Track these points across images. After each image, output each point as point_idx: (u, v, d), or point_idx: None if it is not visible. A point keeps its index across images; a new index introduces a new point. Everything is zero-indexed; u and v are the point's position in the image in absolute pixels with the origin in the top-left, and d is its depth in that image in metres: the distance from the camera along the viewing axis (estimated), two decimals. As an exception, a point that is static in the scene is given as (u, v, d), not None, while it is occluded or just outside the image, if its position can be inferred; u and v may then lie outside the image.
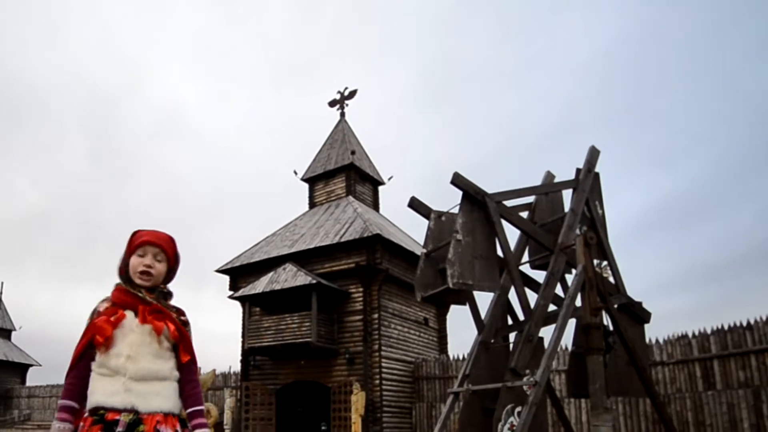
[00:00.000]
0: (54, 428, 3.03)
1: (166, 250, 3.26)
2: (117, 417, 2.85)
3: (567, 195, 15.33)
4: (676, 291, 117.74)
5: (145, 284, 3.19)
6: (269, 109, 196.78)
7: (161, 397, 2.98)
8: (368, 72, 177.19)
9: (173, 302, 3.43)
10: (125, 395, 2.91)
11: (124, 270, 3.28)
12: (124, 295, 3.17)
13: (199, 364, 3.40)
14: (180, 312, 3.27)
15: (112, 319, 3.07)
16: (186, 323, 3.28)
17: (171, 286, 3.50)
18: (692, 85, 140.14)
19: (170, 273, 3.34)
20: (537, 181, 15.70)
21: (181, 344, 3.15)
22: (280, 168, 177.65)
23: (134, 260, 3.22)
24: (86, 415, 2.94)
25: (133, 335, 3.05)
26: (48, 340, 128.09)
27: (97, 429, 2.81)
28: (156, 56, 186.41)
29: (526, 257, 15.53)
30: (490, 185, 13.33)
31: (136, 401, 2.90)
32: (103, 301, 3.23)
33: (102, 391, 2.95)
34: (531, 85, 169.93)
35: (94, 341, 3.04)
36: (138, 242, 3.24)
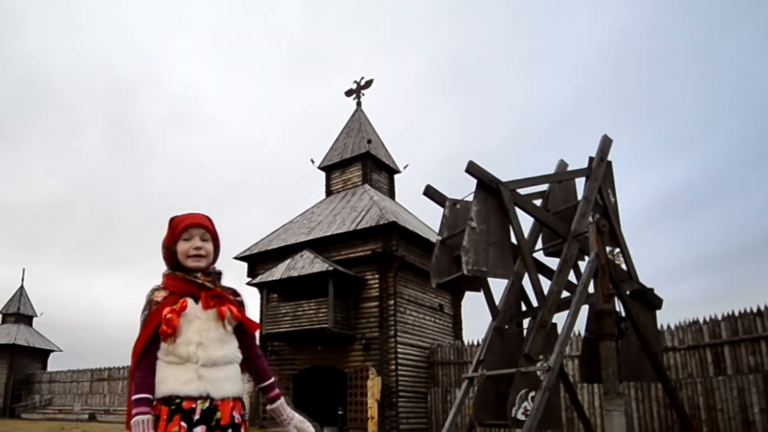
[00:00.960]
0: (135, 421, 2.91)
1: (210, 229, 3.27)
2: (192, 405, 2.87)
3: (580, 183, 15.32)
4: (687, 277, 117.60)
5: (199, 266, 3.20)
6: (283, 98, 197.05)
7: (231, 382, 3.02)
8: (381, 61, 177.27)
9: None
10: (199, 383, 2.93)
11: (171, 258, 3.28)
12: (182, 282, 3.18)
13: None
14: (235, 293, 3.31)
15: (176, 308, 3.07)
16: (242, 303, 3.31)
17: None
18: (702, 73, 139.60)
19: (216, 251, 3.34)
20: (549, 169, 15.69)
21: (246, 321, 3.19)
22: (295, 156, 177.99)
23: (182, 246, 3.21)
24: (159, 404, 2.94)
25: (199, 322, 3.08)
26: (68, 326, 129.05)
27: (178, 418, 2.83)
28: (172, 46, 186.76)
29: (539, 244, 15.52)
30: (502, 173, 13.34)
31: (210, 388, 2.93)
32: (156, 290, 3.20)
33: (174, 380, 2.96)
34: (542, 73, 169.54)
35: (160, 332, 3.03)
36: (182, 227, 3.23)
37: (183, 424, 2.82)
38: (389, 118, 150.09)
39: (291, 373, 32.94)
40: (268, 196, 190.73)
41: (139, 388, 3.01)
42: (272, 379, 3.23)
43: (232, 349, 3.12)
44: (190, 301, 3.13)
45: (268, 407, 3.18)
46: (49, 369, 60.75)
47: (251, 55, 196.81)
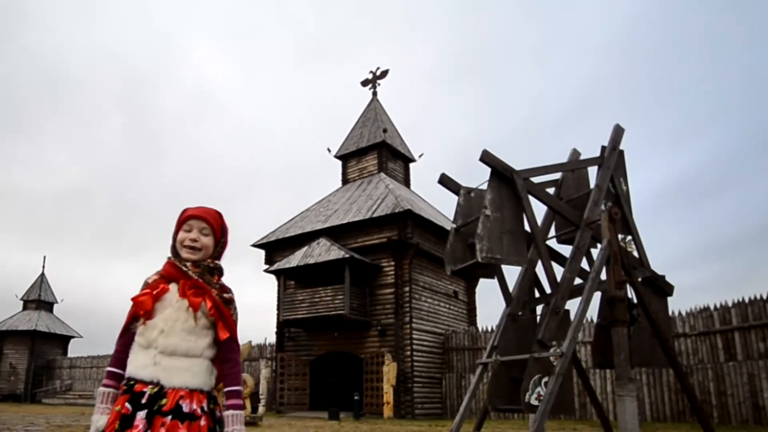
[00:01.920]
0: (98, 392, 3.07)
1: (212, 224, 3.28)
2: (144, 389, 2.91)
3: (592, 172, 15.36)
4: (697, 264, 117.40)
5: (191, 257, 3.21)
6: (297, 86, 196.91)
7: (189, 373, 3.00)
8: (393, 50, 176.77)
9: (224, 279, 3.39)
10: (153, 369, 2.96)
11: (172, 245, 3.30)
12: (171, 268, 3.20)
13: None
14: (224, 289, 3.26)
15: (154, 292, 3.12)
16: (229, 301, 3.25)
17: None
18: (711, 61, 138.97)
19: (218, 247, 3.34)
20: (560, 157, 15.78)
21: (219, 322, 3.13)
22: (309, 144, 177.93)
23: (181, 235, 3.25)
24: (123, 383, 3.02)
25: (170, 309, 3.09)
26: (88, 312, 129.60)
27: (125, 399, 2.89)
28: (188, 36, 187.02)
29: (552, 232, 15.58)
30: (512, 161, 13.40)
31: (162, 375, 2.95)
32: (155, 273, 3.26)
33: (135, 363, 3.02)
34: (553, 62, 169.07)
35: (136, 313, 3.10)
36: (184, 217, 3.28)
37: (128, 405, 2.87)
38: (402, 106, 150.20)
39: (308, 358, 33.16)
40: (283, 184, 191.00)
41: (111, 362, 3.15)
42: (234, 387, 3.09)
43: (200, 343, 3.11)
44: (172, 288, 3.18)
45: (223, 413, 3.06)
46: (69, 355, 61.13)
47: (265, 44, 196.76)
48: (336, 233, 32.94)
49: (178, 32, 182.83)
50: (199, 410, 2.91)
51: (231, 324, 3.16)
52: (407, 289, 30.85)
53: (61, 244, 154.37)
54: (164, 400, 2.86)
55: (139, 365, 2.99)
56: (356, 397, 27.14)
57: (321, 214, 35.38)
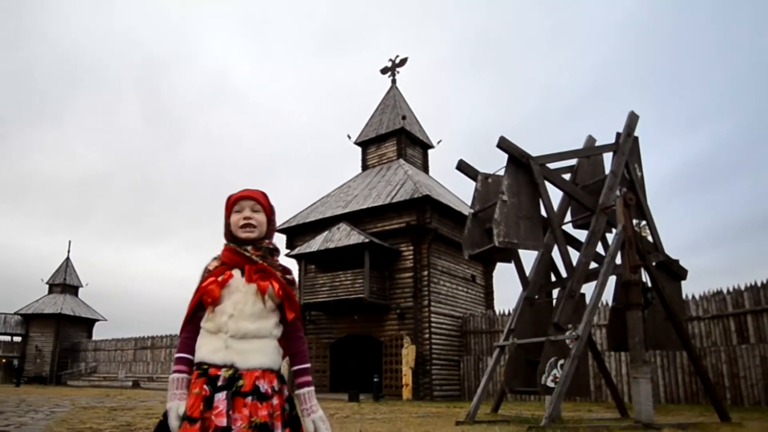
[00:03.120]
0: (171, 378, 3.09)
1: (260, 201, 3.30)
2: (218, 372, 2.94)
3: (607, 158, 15.43)
4: (710, 248, 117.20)
5: (250, 236, 3.24)
6: (313, 72, 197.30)
7: (261, 353, 3.04)
8: (409, 37, 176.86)
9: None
10: (226, 352, 3.00)
11: (228, 232, 3.34)
12: (233, 254, 3.24)
13: None
14: (286, 270, 3.28)
15: (219, 279, 3.15)
16: (292, 282, 3.28)
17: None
18: (722, 48, 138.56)
19: (269, 225, 3.37)
20: (573, 142, 15.87)
21: (286, 302, 3.16)
22: (326, 130, 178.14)
23: (234, 217, 3.28)
24: (194, 368, 3.04)
25: (238, 294, 3.11)
26: (112, 295, 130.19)
27: (202, 381, 2.91)
28: (204, 22, 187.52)
29: (568, 217, 15.66)
30: (526, 147, 13.50)
31: (236, 358, 2.98)
32: (214, 259, 3.32)
33: (206, 348, 3.06)
34: (565, 49, 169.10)
35: (203, 301, 3.13)
36: (232, 201, 3.32)
37: (206, 387, 2.90)
38: (418, 93, 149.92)
39: (328, 341, 33.40)
40: (301, 169, 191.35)
41: (180, 349, 3.17)
42: (304, 365, 3.16)
43: (268, 324, 3.14)
44: (236, 273, 3.18)
45: (294, 392, 3.12)
46: (94, 338, 61.70)
47: (282, 31, 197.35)
48: (356, 218, 33.10)
49: (195, 19, 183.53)
50: (270, 390, 2.97)
51: (296, 304, 3.22)
52: (426, 273, 30.97)
53: (84, 229, 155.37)
54: (241, 382, 2.92)
55: (210, 350, 3.04)
56: (376, 379, 27.24)
57: (341, 199, 35.51)
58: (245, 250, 3.19)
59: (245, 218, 3.21)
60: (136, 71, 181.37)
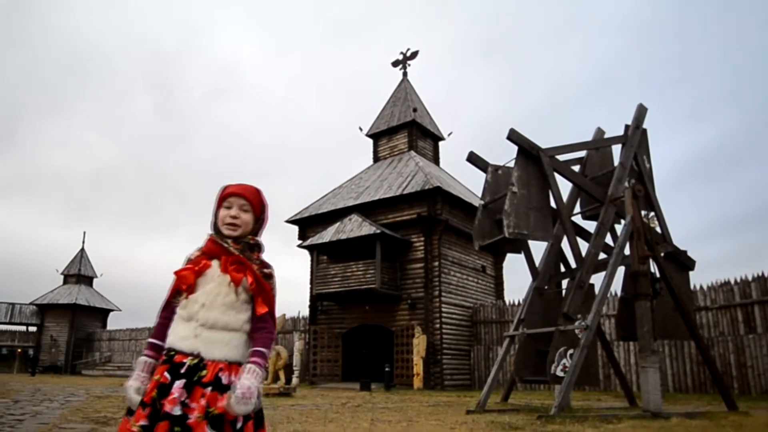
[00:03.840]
0: (138, 361, 3.16)
1: (251, 200, 3.32)
2: (184, 360, 2.97)
3: (616, 150, 15.46)
4: (717, 238, 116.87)
5: (232, 234, 3.27)
6: (321, 65, 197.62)
7: (228, 346, 3.05)
8: (418, 29, 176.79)
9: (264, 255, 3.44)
10: (193, 341, 3.02)
11: (214, 222, 3.36)
12: (213, 244, 3.26)
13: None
14: (264, 265, 3.31)
15: (196, 267, 3.19)
16: (269, 276, 3.29)
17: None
18: (727, 39, 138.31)
19: (258, 223, 3.40)
20: (581, 133, 15.92)
21: (259, 296, 3.17)
22: (336, 121, 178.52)
23: (222, 212, 3.30)
24: (163, 353, 3.08)
25: (212, 284, 3.14)
26: (126, 286, 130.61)
27: (164, 368, 2.95)
28: (213, 16, 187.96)
29: (577, 208, 15.69)
30: (535, 138, 13.55)
31: (202, 347, 3.00)
32: (197, 249, 3.34)
33: (176, 335, 3.08)
34: (574, 41, 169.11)
35: (179, 287, 3.18)
36: (224, 195, 3.33)
37: (166, 374, 2.93)
38: (428, 85, 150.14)
39: (340, 331, 33.53)
40: (311, 161, 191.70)
41: (152, 334, 3.24)
42: (259, 348, 3.08)
43: (240, 317, 3.16)
44: (214, 264, 3.23)
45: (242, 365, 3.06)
46: (108, 327, 61.95)
47: (290, 23, 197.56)
48: (367, 209, 33.20)
49: (204, 12, 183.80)
50: (230, 380, 2.96)
51: (270, 298, 3.22)
52: (436, 263, 31.02)
53: (97, 220, 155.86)
54: (204, 372, 2.93)
55: (179, 337, 3.06)
56: (387, 369, 27.34)
57: (353, 191, 35.62)
58: (225, 242, 3.24)
59: (231, 216, 3.26)
60: (145, 64, 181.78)
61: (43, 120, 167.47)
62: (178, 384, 2.85)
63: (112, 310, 63.12)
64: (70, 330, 58.62)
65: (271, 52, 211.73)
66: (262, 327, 3.14)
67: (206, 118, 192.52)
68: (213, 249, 3.23)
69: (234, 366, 3.00)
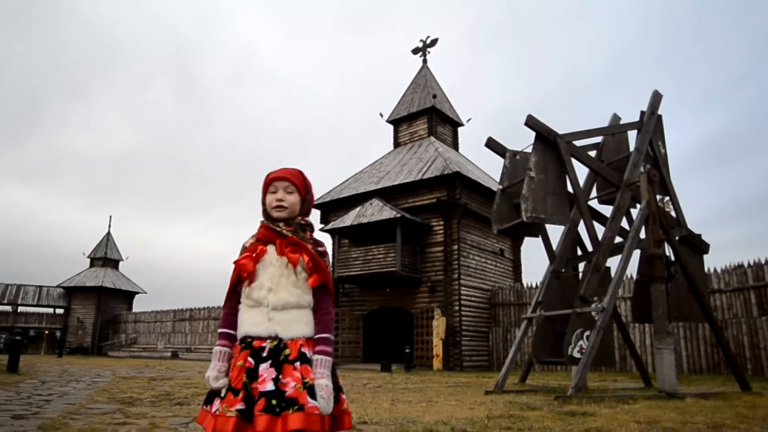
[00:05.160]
0: (214, 351, 3.20)
1: (294, 182, 3.35)
2: (263, 344, 3.02)
3: (632, 136, 15.50)
4: (730, 222, 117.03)
5: (281, 216, 3.31)
6: (338, 51, 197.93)
7: (301, 323, 3.11)
8: (432, 17, 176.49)
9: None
10: (268, 324, 3.07)
11: (263, 209, 3.40)
12: (266, 230, 3.31)
13: None
14: (317, 243, 3.34)
15: (253, 255, 3.24)
16: (323, 254, 3.33)
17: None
18: (740, 24, 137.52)
19: (304, 204, 3.42)
20: (594, 118, 15.98)
21: (315, 272, 3.20)
22: (354, 106, 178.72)
23: (268, 198, 3.34)
24: (237, 343, 3.13)
25: (273, 268, 3.18)
26: (151, 269, 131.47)
27: (246, 353, 2.99)
28: (233, 1, 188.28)
29: (594, 193, 15.74)
30: (552, 122, 13.61)
31: (279, 329, 3.06)
32: (251, 237, 3.40)
33: (248, 322, 3.13)
34: (587, 26, 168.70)
35: (240, 276, 3.22)
36: (268, 181, 3.38)
37: (250, 359, 2.98)
38: (444, 71, 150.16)
39: (361, 313, 33.73)
40: (331, 145, 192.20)
41: (222, 323, 3.28)
42: (324, 334, 3.15)
43: (305, 295, 3.20)
44: (270, 249, 3.26)
45: (312, 357, 3.09)
46: (134, 310, 62.65)
47: (307, 9, 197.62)
48: (388, 194, 33.36)
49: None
50: (311, 355, 3.05)
51: (327, 274, 3.26)
52: (456, 247, 31.16)
53: (121, 204, 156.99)
54: (287, 351, 2.99)
55: (253, 323, 3.11)
56: (407, 350, 27.44)
57: (373, 176, 35.78)
58: (277, 226, 3.28)
59: (278, 200, 3.30)
60: (166, 50, 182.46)
61: (67, 105, 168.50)
62: (265, 366, 2.94)
63: (137, 293, 63.69)
64: (96, 312, 59.22)
65: (290, 38, 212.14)
66: (321, 307, 3.20)
67: (227, 103, 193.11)
68: (267, 234, 3.29)
69: (311, 341, 3.09)
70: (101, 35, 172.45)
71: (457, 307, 30.31)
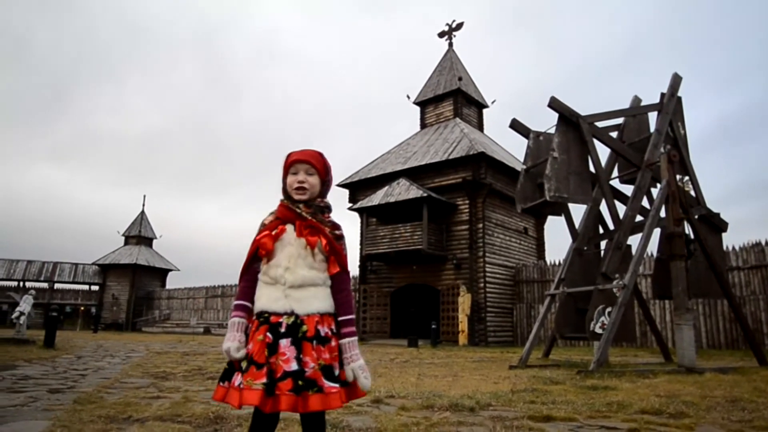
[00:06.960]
0: (231, 322, 3.21)
1: (315, 164, 3.36)
2: (279, 320, 3.05)
3: (652, 117, 15.55)
4: (747, 200, 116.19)
5: (301, 197, 3.31)
6: (361, 33, 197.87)
7: (317, 299, 3.13)
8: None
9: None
10: (285, 301, 3.09)
11: (283, 189, 3.41)
12: (286, 210, 3.31)
13: None
14: (335, 226, 3.36)
15: (273, 233, 3.25)
16: (340, 237, 3.36)
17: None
18: (756, 5, 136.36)
19: (324, 185, 3.44)
20: (613, 100, 16.01)
21: (332, 257, 3.23)
22: (377, 87, 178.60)
23: (289, 179, 3.34)
24: (254, 318, 3.16)
25: (291, 248, 3.20)
26: (183, 247, 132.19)
27: (265, 329, 3.02)
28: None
29: (615, 173, 15.82)
30: (572, 103, 13.69)
31: (295, 306, 3.08)
32: (270, 214, 3.42)
33: (266, 298, 3.15)
34: (602, 8, 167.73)
35: (258, 253, 3.24)
36: (289, 162, 3.38)
37: (269, 334, 3.01)
38: (466, 53, 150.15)
39: (388, 290, 33.95)
40: (355, 126, 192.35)
41: (238, 296, 3.30)
42: (348, 316, 3.22)
43: (321, 274, 3.22)
44: (288, 228, 3.28)
45: (340, 341, 3.16)
46: (167, 286, 63.30)
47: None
48: (414, 174, 33.46)
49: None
50: (330, 332, 3.11)
51: (343, 258, 3.29)
52: (480, 225, 31.24)
53: (152, 183, 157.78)
54: (305, 327, 3.02)
55: (270, 299, 3.13)
56: (433, 326, 27.57)
57: (400, 156, 35.88)
58: (297, 207, 3.31)
59: (299, 181, 3.32)
60: (192, 32, 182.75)
61: (94, 86, 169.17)
62: (285, 342, 2.99)
63: (170, 270, 64.30)
64: (130, 289, 59.82)
65: (314, 20, 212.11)
66: (341, 289, 3.25)
67: (253, 84, 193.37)
68: (286, 214, 3.32)
69: (326, 317, 3.13)
70: (129, 16, 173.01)
71: (482, 284, 30.44)
